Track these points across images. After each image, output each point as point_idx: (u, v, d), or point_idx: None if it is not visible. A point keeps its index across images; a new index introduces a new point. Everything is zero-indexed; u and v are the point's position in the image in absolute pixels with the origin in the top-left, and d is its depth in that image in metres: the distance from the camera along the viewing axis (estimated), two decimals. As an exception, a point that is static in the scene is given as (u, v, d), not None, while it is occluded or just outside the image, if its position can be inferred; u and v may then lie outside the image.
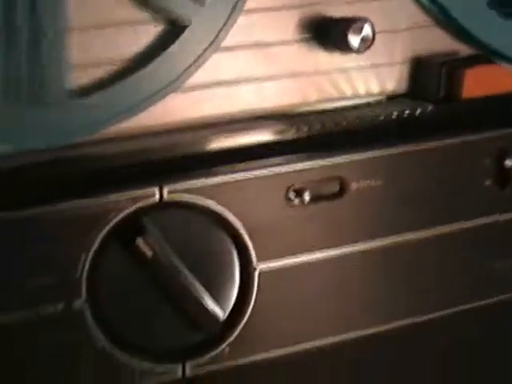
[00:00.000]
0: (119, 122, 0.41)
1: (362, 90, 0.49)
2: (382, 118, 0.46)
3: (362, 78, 0.48)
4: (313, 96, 0.48)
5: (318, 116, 0.46)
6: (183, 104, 0.44)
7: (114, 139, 0.42)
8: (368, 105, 0.48)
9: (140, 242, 0.41)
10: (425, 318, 0.48)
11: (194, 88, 0.43)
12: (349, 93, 0.48)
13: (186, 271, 0.42)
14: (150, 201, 0.41)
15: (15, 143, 0.40)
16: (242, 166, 0.43)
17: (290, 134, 0.44)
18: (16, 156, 0.40)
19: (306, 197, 0.43)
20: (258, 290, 0.44)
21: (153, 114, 0.43)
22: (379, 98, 0.49)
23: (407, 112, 0.47)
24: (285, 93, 0.47)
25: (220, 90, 0.45)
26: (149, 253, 0.41)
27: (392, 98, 0.50)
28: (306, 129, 0.44)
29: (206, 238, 0.43)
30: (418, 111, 0.47)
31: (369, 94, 0.49)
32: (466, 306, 0.48)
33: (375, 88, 0.49)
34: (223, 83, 0.44)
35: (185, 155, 0.43)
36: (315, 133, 0.45)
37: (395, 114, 0.46)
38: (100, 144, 0.42)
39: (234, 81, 0.44)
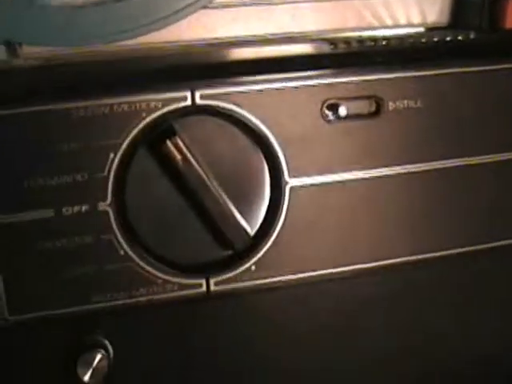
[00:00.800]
0: (156, 29, 0.40)
1: (402, 20, 0.47)
2: (423, 40, 0.44)
3: (403, 7, 0.47)
4: (351, 22, 0.46)
5: (357, 36, 0.44)
6: (215, 21, 0.43)
7: (151, 46, 0.41)
8: (408, 35, 0.46)
9: (169, 144, 0.40)
10: (458, 250, 0.46)
11: (227, 5, 0.42)
12: (389, 22, 0.47)
13: (214, 181, 0.41)
14: (182, 104, 0.40)
15: (54, 42, 0.39)
16: (277, 76, 0.41)
17: (328, 49, 0.43)
18: (51, 54, 0.39)
19: (342, 112, 0.42)
20: (288, 207, 0.42)
21: (184, 29, 0.42)
22: (420, 29, 0.48)
23: (449, 39, 0.45)
24: (322, 16, 0.45)
25: (254, 9, 0.43)
26: (178, 156, 0.40)
27: (433, 29, 0.48)
28: (343, 45, 0.43)
29: (237, 149, 0.41)
30: (460, 38, 0.45)
31: (409, 25, 0.47)
32: (498, 243, 0.46)
33: (416, 18, 0.48)
34: (258, 2, 0.43)
35: (220, 63, 0.41)
36: (354, 49, 0.43)
37: (436, 39, 0.45)
38: (136, 49, 0.41)
39: (269, 1, 0.43)
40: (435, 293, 0.47)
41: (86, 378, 0.40)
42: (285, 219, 0.42)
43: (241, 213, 0.42)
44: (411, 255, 0.45)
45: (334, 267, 0.44)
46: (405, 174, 0.44)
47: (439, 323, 0.47)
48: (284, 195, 0.42)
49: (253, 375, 0.44)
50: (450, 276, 0.46)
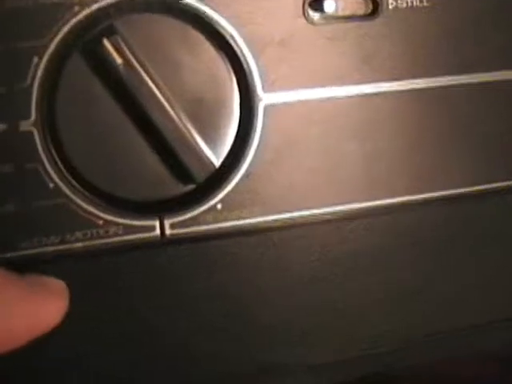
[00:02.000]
0: None
1: None
2: None
3: None
4: None
5: None
6: None
7: None
8: None
9: (107, 43, 0.30)
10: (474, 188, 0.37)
11: None
12: None
13: (169, 96, 0.31)
14: (124, -4, 0.31)
15: None
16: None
17: None
18: None
19: (329, 8, 0.33)
20: (261, 130, 0.34)
21: None
22: None
23: None
24: None
25: None
26: (119, 61, 0.30)
27: None
28: None
29: (198, 57, 0.33)
30: None
31: None
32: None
33: None
34: None
35: None
36: None
37: None
38: None
39: None
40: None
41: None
42: (258, 145, 0.34)
43: (203, 138, 0.33)
44: (411, 194, 0.36)
45: (318, 206, 0.35)
46: (407, 91, 0.35)
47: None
48: (257, 115, 0.34)
49: (213, 333, 0.35)
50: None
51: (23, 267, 0.32)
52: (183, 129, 0.32)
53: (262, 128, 0.34)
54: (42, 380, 0.34)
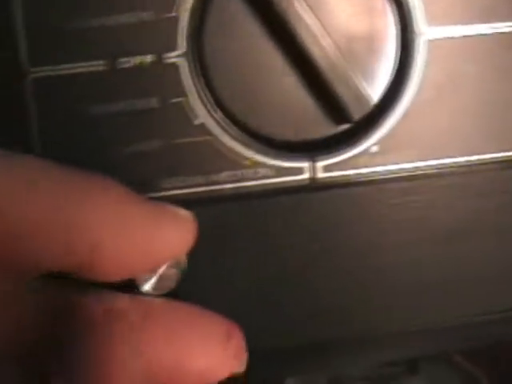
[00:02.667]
0: None
1: None
2: None
3: None
4: None
5: None
6: None
7: None
8: None
9: None
10: None
11: None
12: None
13: (324, 31, 0.29)
14: None
15: None
16: None
17: None
18: None
19: None
20: (422, 68, 0.30)
21: None
22: None
23: None
24: None
25: None
26: None
27: None
28: None
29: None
30: None
31: None
32: None
33: None
34: None
35: None
36: None
37: None
38: None
39: None
40: None
41: (147, 287, 0.29)
42: (418, 83, 0.30)
43: (359, 74, 0.30)
44: None
45: (481, 152, 0.32)
46: None
47: None
48: (417, 50, 0.30)
49: (355, 288, 0.33)
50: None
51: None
52: (339, 63, 0.30)
53: (423, 64, 0.31)
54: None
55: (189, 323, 0.28)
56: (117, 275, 0.27)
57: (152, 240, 0.28)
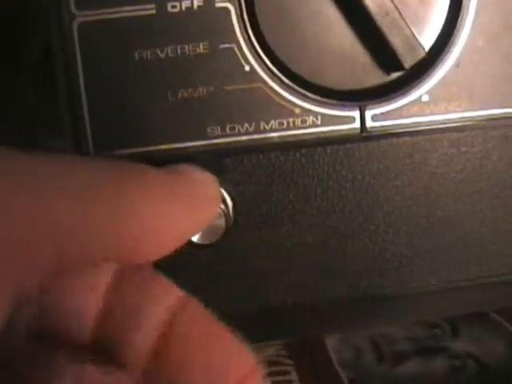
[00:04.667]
0: None
1: None
2: None
3: None
4: None
5: None
6: None
7: None
8: None
9: None
10: None
11: None
12: None
13: None
14: None
15: None
16: None
17: None
18: None
19: None
20: (475, 15, 0.30)
21: None
22: None
23: None
24: None
25: None
26: None
27: None
28: None
29: None
30: None
31: None
32: None
33: None
34: None
35: None
36: None
37: None
38: None
39: None
40: None
41: (195, 237, 0.29)
42: (470, 30, 0.30)
43: (410, 20, 0.29)
44: None
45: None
46: None
47: None
48: (469, -2, 0.29)
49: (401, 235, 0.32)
50: None
51: (213, 157, 0.30)
52: (391, 11, 0.29)
53: (476, 11, 0.30)
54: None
55: None
56: (155, 258, 0.26)
57: (191, 225, 0.28)
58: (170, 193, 0.27)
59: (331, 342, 0.44)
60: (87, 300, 0.24)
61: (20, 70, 0.39)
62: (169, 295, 0.25)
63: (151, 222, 0.25)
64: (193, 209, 0.28)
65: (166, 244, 0.26)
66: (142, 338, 0.24)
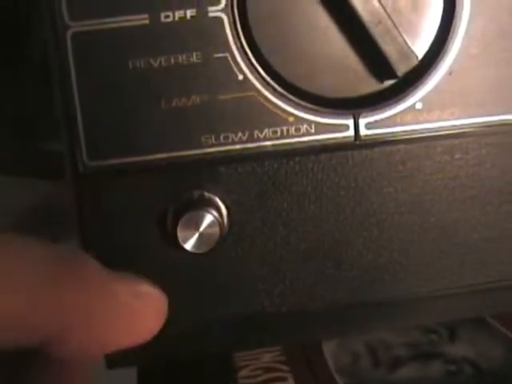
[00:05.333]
0: None
1: None
2: None
3: None
4: None
5: None
6: None
7: None
8: None
9: None
10: None
11: None
12: None
13: None
14: None
15: None
16: None
17: None
18: None
19: None
20: (468, 22, 0.30)
21: None
22: None
23: None
24: None
25: None
26: None
27: None
28: None
29: None
30: None
31: None
32: None
33: None
34: None
35: None
36: None
37: None
38: None
39: None
40: None
41: (189, 245, 0.29)
42: (463, 38, 0.30)
43: (404, 28, 0.29)
44: None
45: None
46: None
47: None
48: (462, 3, 0.30)
49: (394, 242, 0.32)
50: None
51: (208, 166, 0.30)
52: (384, 19, 0.29)
53: (469, 19, 0.30)
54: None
55: None
56: (86, 353, 0.26)
57: (129, 322, 0.27)
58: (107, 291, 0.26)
59: (328, 348, 0.44)
60: None
61: (20, 70, 0.40)
62: None
63: (74, 314, 0.25)
64: (133, 298, 0.27)
65: (95, 337, 0.26)
66: None
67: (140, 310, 0.27)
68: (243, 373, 0.42)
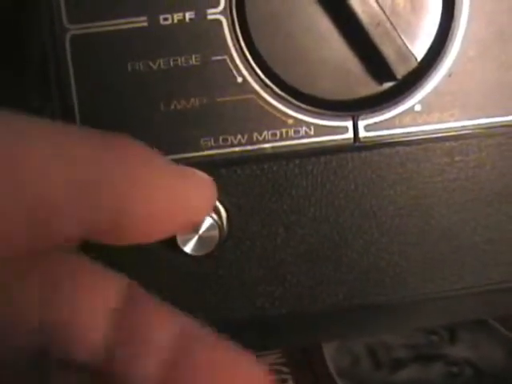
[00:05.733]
0: None
1: None
2: None
3: None
4: None
5: None
6: None
7: None
8: None
9: None
10: None
11: None
12: None
13: None
14: None
15: None
16: None
17: None
18: None
19: None
20: (466, 25, 0.30)
21: None
22: None
23: None
24: None
25: None
26: None
27: None
28: None
29: None
30: None
31: None
32: None
33: None
34: None
35: None
36: None
37: None
38: None
39: None
40: None
41: (188, 248, 0.29)
42: (462, 40, 0.30)
43: (403, 30, 0.29)
44: None
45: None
46: None
47: None
48: (460, 6, 0.30)
49: (393, 244, 0.32)
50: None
51: (207, 168, 0.30)
52: (383, 22, 0.29)
53: (468, 21, 0.30)
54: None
55: None
56: (143, 239, 0.25)
57: (178, 203, 0.25)
58: (150, 163, 0.25)
59: (329, 350, 0.44)
60: (97, 313, 0.23)
61: (21, 70, 0.40)
62: (175, 322, 0.24)
63: (129, 195, 0.23)
64: (181, 181, 0.25)
65: (150, 225, 0.24)
66: (151, 365, 0.23)
67: (191, 186, 0.26)
68: (243, 374, 0.42)
